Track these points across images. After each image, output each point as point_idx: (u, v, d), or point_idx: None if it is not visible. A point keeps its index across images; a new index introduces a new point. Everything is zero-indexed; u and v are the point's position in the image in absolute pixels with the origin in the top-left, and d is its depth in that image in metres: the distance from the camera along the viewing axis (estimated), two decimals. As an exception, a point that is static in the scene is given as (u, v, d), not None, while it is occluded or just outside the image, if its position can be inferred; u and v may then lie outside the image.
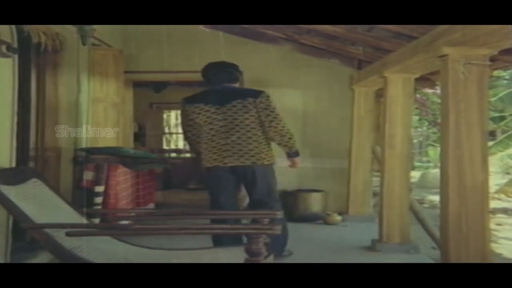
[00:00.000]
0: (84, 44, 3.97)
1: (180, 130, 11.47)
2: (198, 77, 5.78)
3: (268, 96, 3.28)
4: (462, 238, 2.71)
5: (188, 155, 7.47)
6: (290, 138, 3.33)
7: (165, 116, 9.60)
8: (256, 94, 3.28)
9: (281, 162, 5.41)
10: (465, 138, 2.74)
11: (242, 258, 1.97)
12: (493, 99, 10.09)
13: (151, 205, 4.62)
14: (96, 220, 3.28)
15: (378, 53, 4.30)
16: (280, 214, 2.49)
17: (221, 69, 3.47)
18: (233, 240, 3.08)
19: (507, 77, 10.03)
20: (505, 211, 8.90)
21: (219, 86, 3.38)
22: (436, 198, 7.66)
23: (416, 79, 3.92)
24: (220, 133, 3.22)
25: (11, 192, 2.30)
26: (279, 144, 3.35)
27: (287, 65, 5.39)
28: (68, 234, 2.09)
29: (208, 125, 3.23)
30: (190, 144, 3.45)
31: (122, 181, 3.96)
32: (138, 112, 7.16)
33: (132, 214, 3.62)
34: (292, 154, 3.39)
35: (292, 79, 5.41)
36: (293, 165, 3.48)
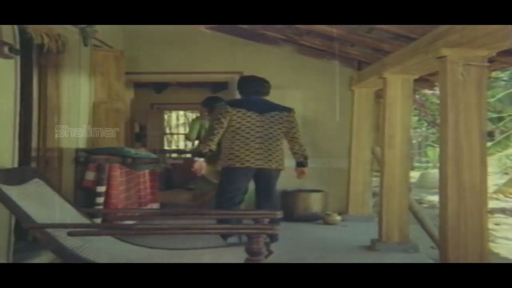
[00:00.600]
0: (85, 45, 3.99)
1: (181, 130, 11.51)
2: (198, 78, 5.85)
3: (295, 113, 3.83)
4: (460, 237, 2.73)
5: (189, 155, 7.48)
6: (305, 149, 3.80)
7: (166, 116, 9.62)
8: (289, 109, 3.80)
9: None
10: (463, 138, 2.76)
11: (243, 257, 1.99)
12: (492, 100, 10.11)
13: (156, 205, 4.63)
14: (98, 220, 3.30)
15: (377, 55, 4.31)
16: (280, 214, 2.53)
17: (259, 83, 3.87)
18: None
19: (505, 78, 10.06)
20: (503, 211, 8.93)
21: (255, 97, 3.79)
22: (435, 198, 7.68)
23: (415, 80, 3.94)
24: (256, 137, 3.62)
25: (13, 192, 2.32)
26: (296, 152, 3.80)
27: (287, 66, 5.40)
28: (70, 234, 2.11)
29: (246, 129, 3.61)
30: (209, 145, 3.61)
31: (124, 181, 3.98)
32: (139, 113, 7.19)
33: (135, 214, 3.64)
34: (304, 163, 3.81)
35: (292, 80, 5.43)
36: (301, 174, 3.84)
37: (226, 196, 3.64)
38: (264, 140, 3.63)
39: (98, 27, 4.01)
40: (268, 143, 3.64)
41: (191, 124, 5.91)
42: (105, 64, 4.38)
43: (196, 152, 3.76)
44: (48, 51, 3.46)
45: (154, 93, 7.74)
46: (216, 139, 3.62)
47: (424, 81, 4.62)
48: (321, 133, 5.40)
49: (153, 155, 4.47)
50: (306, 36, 4.68)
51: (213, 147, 3.64)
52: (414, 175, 12.54)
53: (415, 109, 9.38)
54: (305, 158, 3.79)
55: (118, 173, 3.84)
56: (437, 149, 9.28)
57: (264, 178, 3.68)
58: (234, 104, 3.73)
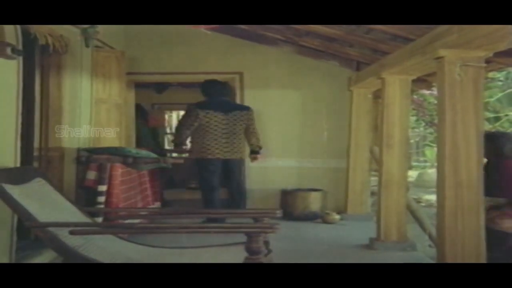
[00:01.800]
0: (87, 46, 4.02)
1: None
2: (199, 78, 5.88)
3: (253, 111, 4.67)
4: (458, 236, 2.76)
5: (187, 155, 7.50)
6: (259, 141, 4.72)
7: (166, 116, 9.64)
8: (247, 108, 4.67)
9: (281, 163, 5.52)
10: (461, 138, 2.78)
11: (242, 256, 2.02)
12: (491, 99, 10.13)
13: (157, 204, 4.67)
14: (99, 219, 3.33)
15: (376, 55, 4.34)
16: (279, 213, 2.56)
17: (221, 86, 4.65)
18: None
19: (501, 78, 10.09)
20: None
21: (220, 98, 4.56)
22: (432, 197, 7.71)
23: (413, 81, 3.97)
24: (222, 133, 4.42)
25: (16, 191, 2.34)
26: (253, 144, 4.67)
27: (286, 66, 5.43)
28: (71, 233, 2.14)
29: (214, 127, 4.39)
30: (180, 141, 4.60)
31: (125, 180, 4.00)
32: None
33: (136, 213, 3.67)
34: (259, 151, 4.71)
35: (291, 80, 5.46)
36: (254, 159, 4.74)
37: (205, 180, 4.48)
38: (229, 135, 4.44)
39: (99, 28, 4.04)
40: (232, 138, 4.46)
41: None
42: (107, 64, 4.39)
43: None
44: (51, 51, 3.48)
45: (155, 93, 7.75)
46: (185, 136, 4.51)
47: (422, 81, 4.64)
48: (320, 133, 5.43)
49: (154, 155, 4.50)
50: (305, 37, 4.70)
51: (183, 143, 4.63)
52: (412, 174, 12.55)
53: (413, 109, 9.41)
54: (260, 148, 4.69)
55: (119, 173, 3.86)
56: (435, 149, 9.30)
57: (232, 166, 4.57)
58: (203, 106, 4.44)
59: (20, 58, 2.92)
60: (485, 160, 3.41)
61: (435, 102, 7.06)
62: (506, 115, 10.58)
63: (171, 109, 9.49)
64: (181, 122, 4.50)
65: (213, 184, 4.50)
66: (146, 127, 6.46)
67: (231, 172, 4.60)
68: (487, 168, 2.91)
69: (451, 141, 2.79)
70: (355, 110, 5.13)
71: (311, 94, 5.46)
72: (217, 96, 4.55)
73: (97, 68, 4.32)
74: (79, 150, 3.99)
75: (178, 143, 4.59)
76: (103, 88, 4.37)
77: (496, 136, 3.27)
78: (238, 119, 4.51)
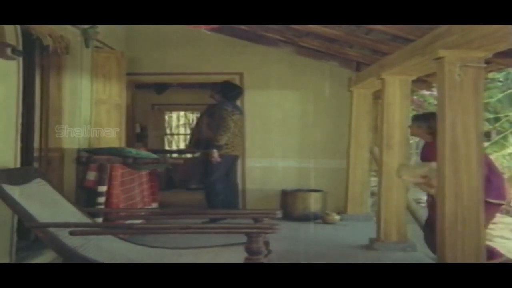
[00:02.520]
0: (87, 46, 4.02)
1: (181, 131, 11.62)
2: (199, 78, 5.89)
3: None
4: (458, 236, 2.76)
5: (189, 155, 7.52)
6: None
7: (166, 117, 9.66)
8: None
9: (281, 163, 5.53)
10: (461, 138, 2.78)
11: (242, 256, 2.02)
12: (492, 100, 10.12)
13: (155, 205, 4.67)
14: (99, 219, 3.33)
15: (376, 56, 4.34)
16: (279, 214, 2.56)
17: (237, 88, 5.15)
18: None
19: (501, 79, 10.08)
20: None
21: (235, 100, 5.04)
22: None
23: (413, 81, 3.97)
24: (240, 132, 4.99)
25: (16, 191, 2.35)
26: None
27: (286, 67, 5.44)
28: (71, 233, 2.14)
29: (237, 127, 4.90)
30: (223, 139, 4.75)
31: (125, 181, 4.00)
32: (140, 113, 7.22)
33: (136, 213, 3.67)
34: None
35: (291, 81, 5.47)
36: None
37: (218, 177, 4.79)
38: (242, 134, 5.06)
39: (99, 28, 4.04)
40: (242, 137, 5.10)
41: None
42: (107, 65, 4.39)
43: (215, 146, 4.73)
44: (51, 52, 3.48)
45: (155, 94, 7.77)
46: (229, 135, 4.76)
47: (421, 81, 4.65)
48: (320, 133, 5.43)
49: (154, 155, 4.49)
50: (305, 38, 4.70)
51: (223, 142, 4.74)
52: (413, 175, 12.52)
53: (413, 109, 9.38)
54: None
55: (119, 173, 3.86)
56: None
57: (236, 163, 5.09)
58: (235, 107, 4.92)
59: (20, 59, 2.91)
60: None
61: (435, 102, 7.06)
62: (506, 115, 10.57)
63: (171, 110, 9.52)
64: (228, 124, 4.75)
65: (221, 178, 4.85)
66: None
67: (234, 167, 5.11)
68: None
69: (451, 142, 2.79)
70: (355, 110, 5.14)
71: (311, 94, 5.46)
72: (236, 98, 5.05)
73: (97, 68, 4.32)
74: (79, 150, 3.99)
75: (222, 144, 4.76)
76: (103, 88, 4.37)
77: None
78: (242, 120, 5.06)
